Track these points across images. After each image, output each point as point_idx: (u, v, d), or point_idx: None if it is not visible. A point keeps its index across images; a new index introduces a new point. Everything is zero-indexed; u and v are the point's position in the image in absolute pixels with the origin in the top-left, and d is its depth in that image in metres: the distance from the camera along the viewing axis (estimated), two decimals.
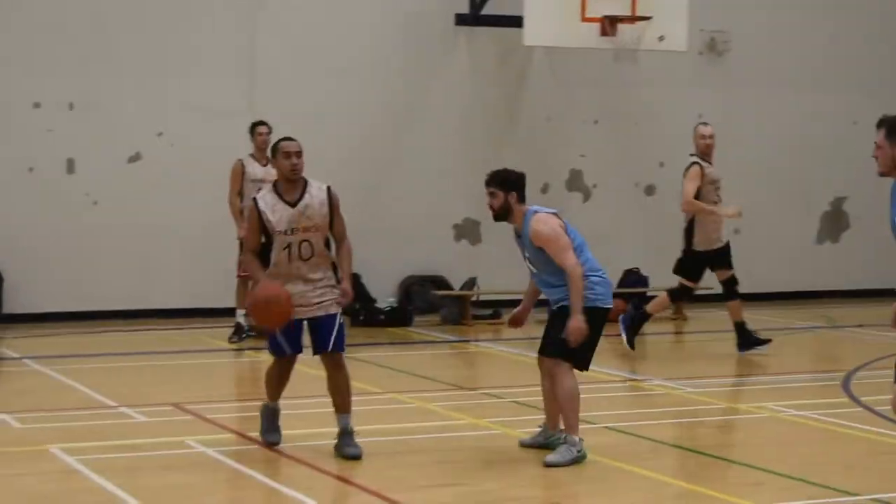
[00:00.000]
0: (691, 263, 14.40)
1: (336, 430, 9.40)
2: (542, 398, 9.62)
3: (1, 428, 10.36)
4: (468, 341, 16.04)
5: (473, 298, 17.67)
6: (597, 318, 9.21)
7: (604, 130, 19.21)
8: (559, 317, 9.24)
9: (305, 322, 9.36)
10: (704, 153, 14.29)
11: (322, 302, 9.30)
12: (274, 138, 15.20)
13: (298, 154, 9.31)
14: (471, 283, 17.86)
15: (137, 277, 17.12)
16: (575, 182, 19.16)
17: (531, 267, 9.43)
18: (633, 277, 18.70)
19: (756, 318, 17.00)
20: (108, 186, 17.01)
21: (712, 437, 10.09)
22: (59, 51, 16.79)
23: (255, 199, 9.42)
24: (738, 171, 19.74)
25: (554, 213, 9.34)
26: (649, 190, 19.53)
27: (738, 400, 11.58)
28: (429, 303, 17.78)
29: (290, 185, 9.32)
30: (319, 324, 9.31)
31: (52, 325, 16.47)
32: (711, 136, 14.33)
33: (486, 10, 18.27)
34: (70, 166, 16.93)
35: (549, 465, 9.01)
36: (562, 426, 9.33)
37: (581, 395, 9.33)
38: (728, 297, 14.45)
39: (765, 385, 12.58)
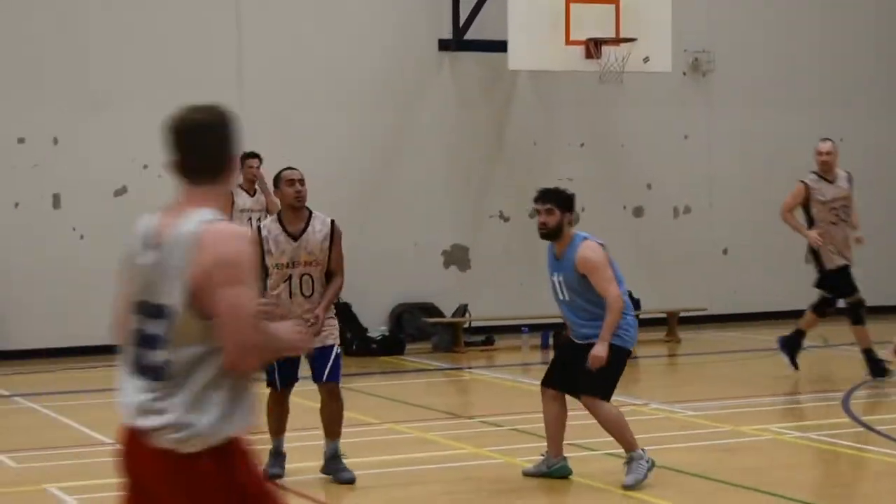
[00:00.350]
0: (833, 281, 13.86)
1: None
2: (541, 426, 9.53)
3: None
4: (461, 368, 15.95)
5: (465, 325, 17.57)
6: (624, 358, 9.17)
7: (590, 153, 19.16)
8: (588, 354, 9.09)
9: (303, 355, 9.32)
10: (823, 171, 13.70)
11: (320, 334, 9.23)
12: (265, 168, 15.21)
13: (302, 181, 9.32)
14: (462, 310, 17.76)
15: None
16: None
17: (562, 293, 9.22)
18: None
19: (748, 338, 16.95)
20: (95, 220, 16.88)
21: (717, 461, 9.99)
22: (41, 85, 16.69)
23: (258, 226, 9.39)
24: (723, 190, 19.75)
25: (601, 244, 9.22)
26: (637, 212, 19.49)
27: (740, 422, 11.48)
28: (420, 330, 17.68)
29: (294, 215, 9.28)
30: (317, 355, 9.27)
31: (41, 361, 16.31)
32: (829, 153, 13.66)
33: (470, 36, 18.23)
34: (56, 201, 16.81)
35: (629, 488, 8.92)
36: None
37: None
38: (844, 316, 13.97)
39: (765, 407, 12.50)
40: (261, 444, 10.10)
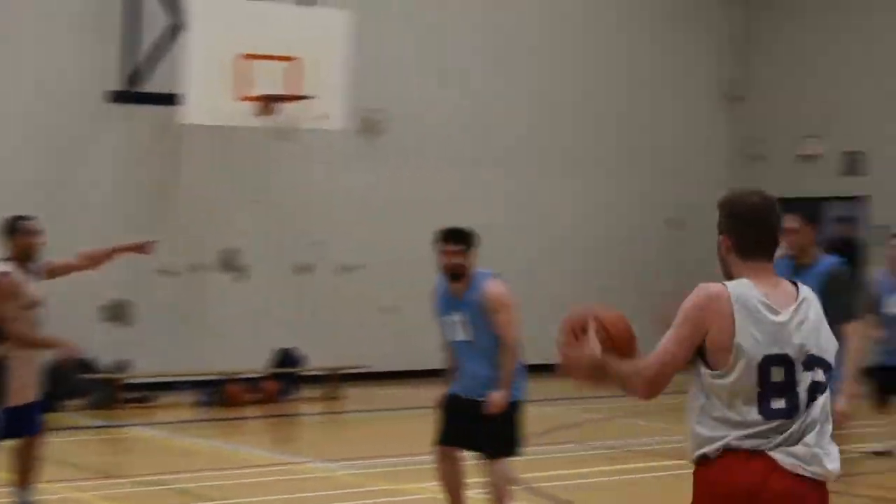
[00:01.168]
0: None
1: None
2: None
3: None
4: (120, 426, 15.47)
5: (124, 381, 17.04)
6: (522, 409, 8.86)
7: (263, 210, 18.98)
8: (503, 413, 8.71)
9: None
10: None
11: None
12: None
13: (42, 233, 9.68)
14: (123, 366, 17.24)
15: None
16: (229, 261, 18.85)
17: (465, 332, 8.78)
18: (288, 357, 18.51)
19: (412, 395, 17.00)
20: None
21: None
22: None
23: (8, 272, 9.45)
24: (390, 249, 19.78)
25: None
26: (306, 269, 19.39)
27: (399, 480, 11.44)
28: (77, 387, 16.96)
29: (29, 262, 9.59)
30: (33, 410, 9.41)
31: None
32: None
33: (143, 88, 17.81)
34: None
35: None
36: None
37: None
38: None
39: (426, 465, 12.48)
40: None
